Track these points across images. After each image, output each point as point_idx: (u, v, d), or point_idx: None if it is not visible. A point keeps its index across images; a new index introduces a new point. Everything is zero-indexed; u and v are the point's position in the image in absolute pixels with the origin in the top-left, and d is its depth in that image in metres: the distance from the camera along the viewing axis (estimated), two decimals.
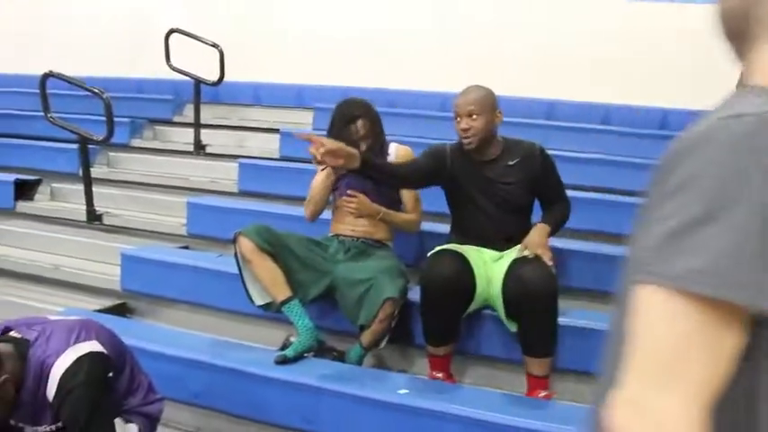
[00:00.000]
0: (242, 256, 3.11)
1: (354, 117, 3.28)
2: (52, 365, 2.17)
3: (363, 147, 3.22)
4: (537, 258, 2.86)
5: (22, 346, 2.20)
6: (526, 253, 2.88)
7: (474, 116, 2.96)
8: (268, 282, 3.09)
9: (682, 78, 5.40)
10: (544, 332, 2.85)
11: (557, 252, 3.03)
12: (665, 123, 5.52)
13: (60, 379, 2.16)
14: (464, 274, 2.92)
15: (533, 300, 2.76)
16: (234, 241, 3.12)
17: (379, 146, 3.37)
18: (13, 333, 2.25)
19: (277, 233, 3.16)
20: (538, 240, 2.91)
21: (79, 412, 2.17)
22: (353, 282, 3.09)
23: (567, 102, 5.88)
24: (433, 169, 3.08)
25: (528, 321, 2.84)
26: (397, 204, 3.42)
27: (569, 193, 3.22)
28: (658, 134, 5.11)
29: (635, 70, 5.67)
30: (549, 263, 2.83)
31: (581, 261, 3.46)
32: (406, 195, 3.40)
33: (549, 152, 3.16)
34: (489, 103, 3.01)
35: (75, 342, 2.24)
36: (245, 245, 3.07)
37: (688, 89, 5.39)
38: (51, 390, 2.17)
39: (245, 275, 3.16)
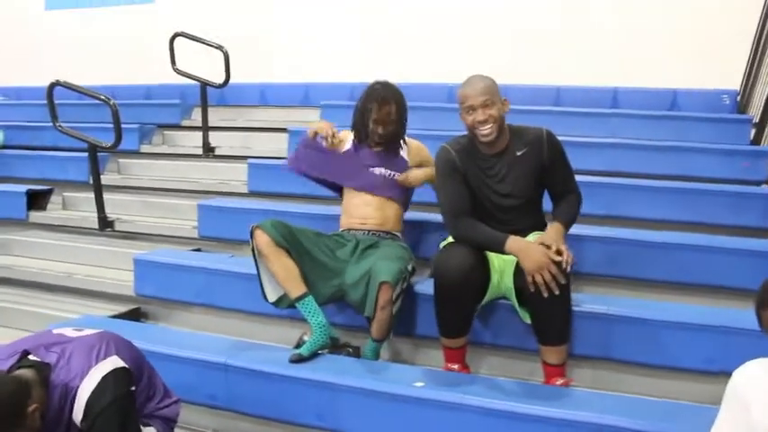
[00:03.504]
0: (258, 251, 3.09)
1: (387, 100, 3.35)
2: (77, 388, 2.13)
3: (381, 131, 3.34)
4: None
5: (44, 370, 2.14)
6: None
7: (489, 105, 2.88)
8: (282, 277, 3.07)
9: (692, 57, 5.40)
10: (558, 321, 2.80)
11: (568, 236, 2.97)
12: (674, 104, 5.47)
13: (87, 402, 2.12)
14: (478, 266, 2.86)
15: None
16: (250, 235, 3.10)
17: (397, 137, 3.41)
18: (31, 357, 2.18)
19: (292, 229, 3.13)
20: (555, 237, 2.78)
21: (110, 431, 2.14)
22: (360, 277, 3.07)
23: (573, 87, 5.85)
24: (464, 183, 2.98)
25: (541, 311, 2.79)
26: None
27: (579, 178, 3.09)
28: (668, 115, 5.07)
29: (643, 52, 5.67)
30: (567, 264, 2.70)
31: (593, 246, 3.43)
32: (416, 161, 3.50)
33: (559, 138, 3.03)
34: (497, 92, 2.93)
35: (97, 361, 2.19)
36: (262, 239, 3.05)
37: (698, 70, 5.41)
38: (78, 412, 2.13)
39: (260, 270, 3.14)
